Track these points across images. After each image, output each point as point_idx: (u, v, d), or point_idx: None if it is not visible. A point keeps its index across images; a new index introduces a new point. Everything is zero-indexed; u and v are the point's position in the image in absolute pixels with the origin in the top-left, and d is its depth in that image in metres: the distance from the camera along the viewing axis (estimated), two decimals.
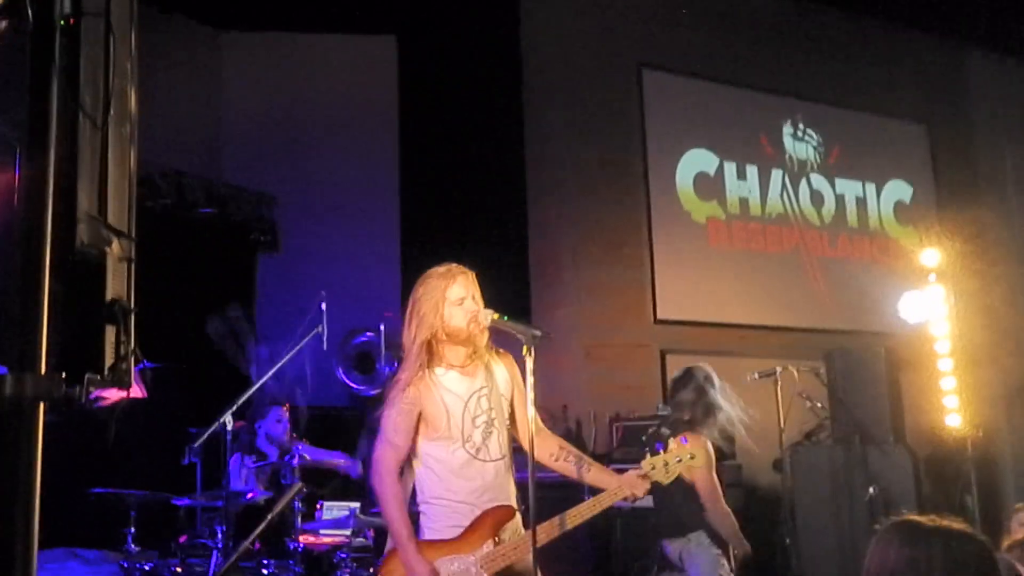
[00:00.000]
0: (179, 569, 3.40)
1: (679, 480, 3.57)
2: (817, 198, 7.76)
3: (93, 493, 3.43)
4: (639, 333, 6.67)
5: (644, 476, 2.62)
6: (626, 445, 5.34)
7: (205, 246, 4.92)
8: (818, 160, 7.82)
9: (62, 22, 1.85)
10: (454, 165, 5.91)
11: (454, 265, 2.65)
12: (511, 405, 2.65)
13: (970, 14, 7.64)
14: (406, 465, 2.60)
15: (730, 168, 7.39)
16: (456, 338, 2.56)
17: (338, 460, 3.86)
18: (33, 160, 1.86)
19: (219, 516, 3.37)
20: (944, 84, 8.36)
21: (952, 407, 5.40)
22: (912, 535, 1.53)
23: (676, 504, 3.64)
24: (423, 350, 2.55)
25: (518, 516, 2.59)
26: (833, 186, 7.88)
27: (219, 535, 3.34)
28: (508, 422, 2.64)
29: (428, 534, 2.53)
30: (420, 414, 2.54)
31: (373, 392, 4.68)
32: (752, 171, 7.51)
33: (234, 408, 3.46)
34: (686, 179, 7.16)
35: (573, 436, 5.55)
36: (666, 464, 2.62)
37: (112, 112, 1.98)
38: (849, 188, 7.94)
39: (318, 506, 3.79)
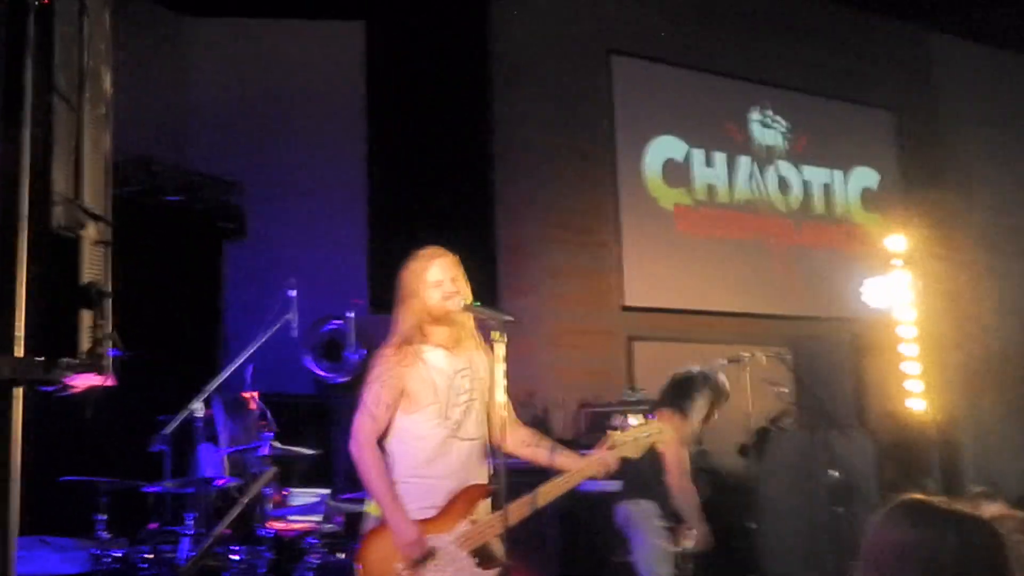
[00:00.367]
0: (149, 556, 3.43)
1: (649, 451, 3.73)
2: (784, 185, 7.86)
3: (63, 480, 3.46)
4: (606, 319, 6.74)
5: (612, 448, 2.70)
6: (594, 431, 5.41)
7: (171, 233, 4.93)
8: (785, 147, 7.91)
9: (35, 2, 1.89)
10: (422, 151, 5.95)
11: (436, 248, 2.77)
12: (488, 392, 2.74)
13: (937, 1, 7.81)
14: (381, 442, 2.66)
15: (698, 155, 7.46)
16: (438, 319, 2.66)
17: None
18: (7, 141, 1.89)
19: (189, 503, 3.42)
20: (911, 71, 8.49)
21: (916, 392, 5.60)
22: (923, 516, 1.49)
23: (639, 470, 3.77)
24: (412, 329, 2.66)
25: (490, 495, 2.68)
26: (800, 173, 7.99)
27: (189, 522, 3.38)
28: (486, 405, 2.72)
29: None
30: (403, 390, 2.62)
31: (341, 380, 4.73)
32: (720, 158, 7.59)
33: (204, 396, 3.50)
34: (654, 165, 7.22)
35: (541, 422, 5.63)
36: (635, 439, 2.72)
37: (87, 93, 2.02)
38: (816, 175, 8.05)
39: (285, 492, 3.84)
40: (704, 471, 4.87)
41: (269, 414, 4.01)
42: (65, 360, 1.91)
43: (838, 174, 8.20)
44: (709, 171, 7.53)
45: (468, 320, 2.72)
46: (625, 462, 2.78)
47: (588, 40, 7.02)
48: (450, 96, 6.08)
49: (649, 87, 7.28)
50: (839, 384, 5.24)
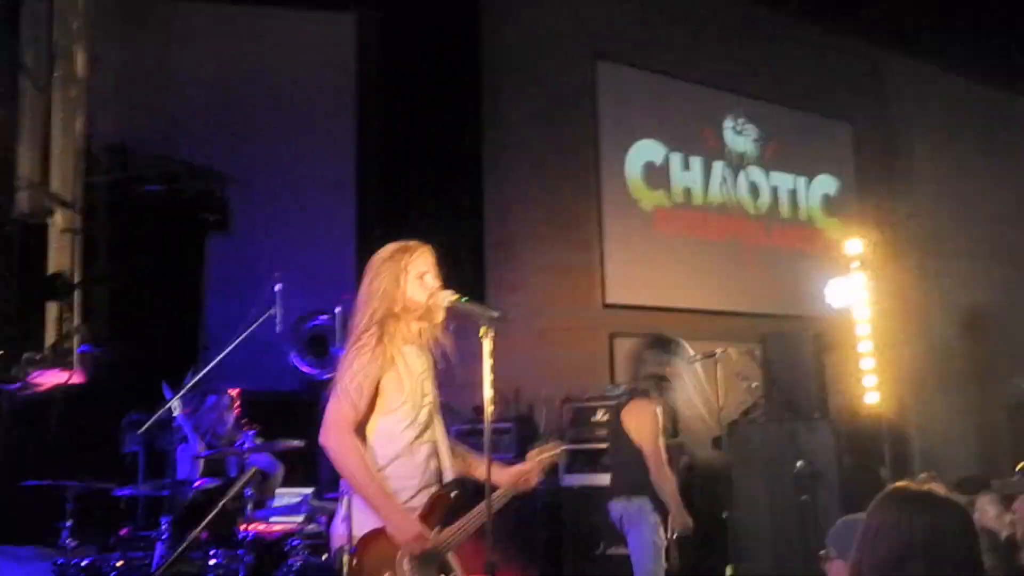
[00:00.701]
0: (119, 563, 3.07)
1: (630, 445, 3.61)
2: (753, 190, 7.89)
3: (25, 485, 3.05)
4: (588, 316, 6.66)
5: (532, 463, 2.57)
6: (577, 425, 5.30)
7: (152, 224, 4.59)
8: (756, 153, 7.94)
9: None
10: (411, 147, 5.73)
11: (414, 241, 2.52)
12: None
13: (893, 22, 7.91)
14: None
15: (676, 159, 7.43)
16: (414, 313, 2.42)
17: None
18: None
19: (163, 507, 3.09)
20: (867, 86, 8.62)
21: (870, 385, 5.58)
22: (897, 501, 1.57)
23: (627, 466, 3.67)
24: (388, 321, 2.38)
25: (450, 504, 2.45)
26: (769, 178, 8.02)
27: (163, 527, 3.05)
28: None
29: (372, 516, 2.31)
30: (379, 388, 2.36)
31: (326, 376, 4.46)
32: (696, 162, 7.57)
33: (181, 394, 3.20)
34: (635, 168, 7.17)
35: (525, 417, 5.47)
36: (541, 457, 2.59)
37: (57, 73, 1.77)
38: (782, 181, 8.10)
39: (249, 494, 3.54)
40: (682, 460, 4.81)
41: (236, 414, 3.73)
42: (28, 355, 1.67)
43: (802, 180, 8.27)
44: (686, 174, 7.51)
45: (441, 316, 2.47)
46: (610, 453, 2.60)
47: (575, 45, 6.94)
48: (440, 93, 5.87)
49: (632, 92, 7.23)
50: (804, 378, 5.21)
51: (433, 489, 2.37)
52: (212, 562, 3.07)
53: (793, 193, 8.18)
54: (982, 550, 1.52)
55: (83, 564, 3.06)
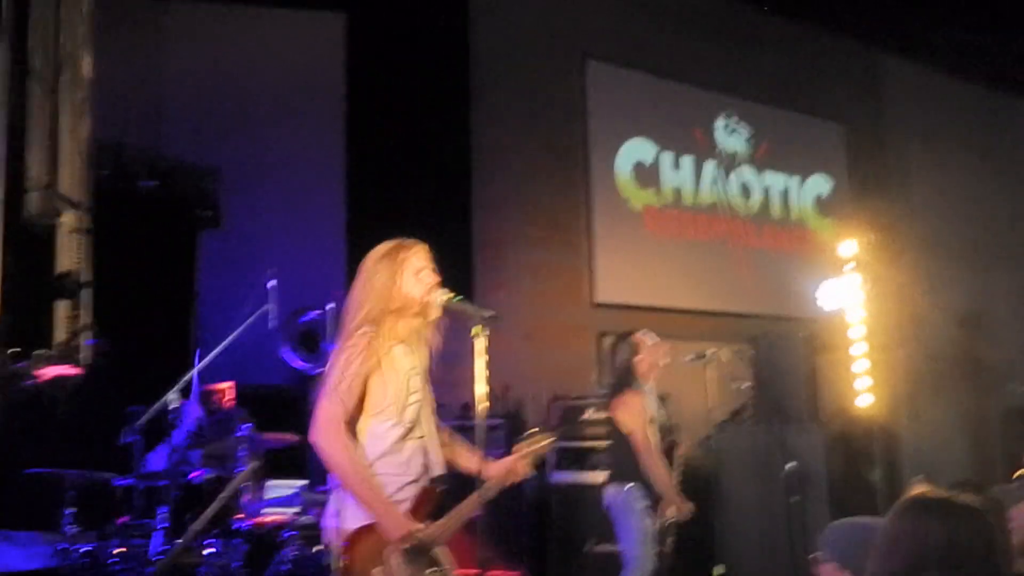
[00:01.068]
0: (120, 550, 3.21)
1: (621, 434, 3.73)
2: (745, 190, 7.97)
3: (27, 473, 3.19)
4: (578, 315, 6.74)
5: (520, 457, 2.60)
6: (566, 423, 5.38)
7: (145, 220, 4.68)
8: (748, 153, 8.01)
9: None
10: (400, 145, 5.82)
11: (409, 239, 2.54)
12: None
13: (886, 24, 7.99)
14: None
15: (666, 158, 7.51)
16: (408, 310, 2.46)
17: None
18: None
19: (160, 496, 3.21)
20: (861, 87, 8.69)
21: (864, 388, 5.66)
22: (913, 509, 1.53)
23: (617, 455, 3.81)
24: (383, 317, 2.42)
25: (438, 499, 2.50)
26: (761, 178, 8.10)
27: (161, 516, 3.18)
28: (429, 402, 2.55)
29: (362, 512, 2.36)
30: (366, 382, 2.40)
31: (317, 371, 4.56)
32: (687, 162, 7.64)
33: (179, 387, 3.31)
34: (625, 167, 7.24)
35: (514, 415, 5.57)
36: (532, 449, 2.64)
37: (65, 76, 1.86)
38: (775, 181, 8.18)
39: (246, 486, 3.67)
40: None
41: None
42: (40, 352, 1.77)
43: (795, 180, 8.35)
44: (677, 174, 7.59)
45: (436, 313, 2.52)
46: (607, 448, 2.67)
47: (564, 44, 7.01)
48: (429, 92, 5.97)
49: (622, 91, 7.29)
50: (794, 380, 5.28)
51: (421, 483, 2.43)
52: (209, 551, 3.19)
53: (785, 193, 8.26)
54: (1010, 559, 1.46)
55: (83, 550, 3.20)
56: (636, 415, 3.76)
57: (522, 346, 6.10)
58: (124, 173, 4.53)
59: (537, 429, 2.72)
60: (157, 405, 3.29)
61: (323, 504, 3.38)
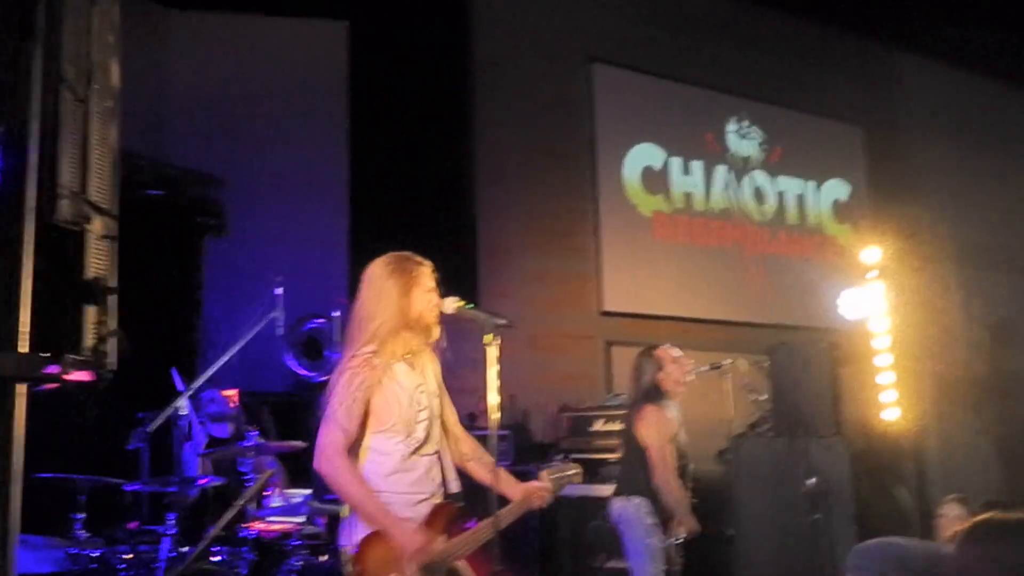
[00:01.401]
0: (128, 556, 3.35)
1: (637, 448, 3.83)
2: (759, 195, 8.03)
3: (37, 477, 3.34)
4: (585, 324, 6.83)
5: (544, 483, 2.73)
6: (574, 435, 5.46)
7: (150, 228, 4.84)
8: (761, 157, 8.09)
9: None
10: (403, 152, 5.98)
11: (412, 254, 2.65)
12: (439, 401, 2.68)
13: (903, 22, 8.03)
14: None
15: (676, 163, 7.58)
16: (416, 326, 2.57)
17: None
18: (13, 133, 1.87)
19: (170, 502, 3.35)
20: (879, 87, 8.73)
21: (890, 401, 5.74)
22: (982, 533, 1.53)
23: (629, 467, 3.89)
24: (390, 335, 2.53)
25: (455, 515, 2.61)
26: (775, 183, 8.17)
27: (170, 522, 3.32)
28: (439, 416, 2.66)
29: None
30: (369, 407, 2.51)
31: (320, 378, 4.70)
32: (697, 166, 7.72)
33: (189, 393, 3.46)
34: (633, 173, 7.32)
35: (521, 425, 5.67)
36: (560, 478, 2.76)
37: (95, 85, 2.00)
38: (790, 186, 8.24)
39: (267, 492, 3.81)
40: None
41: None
42: (70, 357, 1.88)
43: (811, 185, 8.41)
44: (687, 179, 7.66)
45: (438, 333, 2.64)
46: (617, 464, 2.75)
47: (569, 47, 7.11)
48: (432, 99, 6.13)
49: (629, 95, 7.38)
50: (815, 392, 5.31)
51: (435, 500, 2.55)
52: (216, 559, 3.33)
53: (801, 198, 8.32)
54: None
55: (94, 555, 3.35)
56: (657, 430, 3.83)
57: (527, 355, 6.18)
58: (129, 181, 4.65)
59: (562, 456, 2.80)
60: (167, 411, 3.43)
61: (329, 514, 3.52)
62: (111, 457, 3.59)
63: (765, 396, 5.36)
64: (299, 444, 3.58)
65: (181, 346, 4.91)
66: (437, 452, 2.61)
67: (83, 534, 3.42)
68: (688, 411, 4.13)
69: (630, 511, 3.83)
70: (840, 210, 8.53)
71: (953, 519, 3.63)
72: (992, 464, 7.83)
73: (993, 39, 8.17)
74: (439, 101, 6.20)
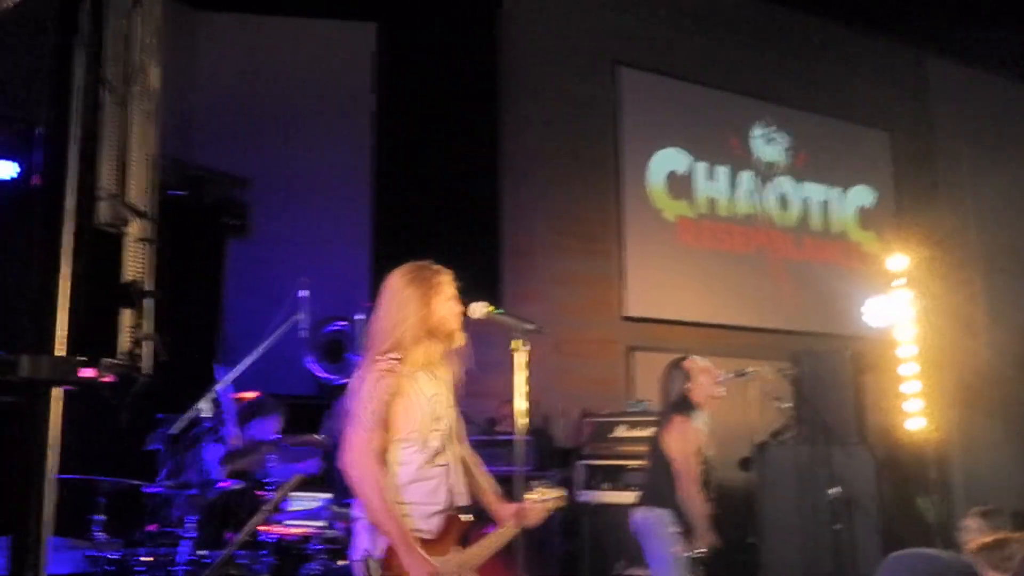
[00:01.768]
0: (147, 559, 3.35)
1: (663, 459, 3.83)
2: (783, 200, 8.02)
3: (57, 478, 3.36)
4: (607, 328, 6.83)
5: (531, 506, 2.70)
6: (596, 440, 5.46)
7: (174, 228, 4.86)
8: (786, 163, 8.07)
9: None
10: (428, 154, 6.01)
11: (432, 262, 2.63)
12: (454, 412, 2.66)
13: (932, 23, 7.99)
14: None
15: (701, 168, 7.59)
16: (438, 334, 2.57)
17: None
18: (54, 135, 1.88)
19: (189, 505, 3.36)
20: (906, 91, 8.71)
21: (915, 410, 5.70)
22: None
23: (654, 477, 3.89)
24: (412, 342, 2.52)
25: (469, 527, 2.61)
26: (800, 189, 8.14)
27: (189, 524, 3.33)
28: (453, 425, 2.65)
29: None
30: (389, 415, 2.50)
31: (342, 381, 4.70)
32: (722, 172, 7.72)
33: (211, 395, 3.48)
34: (658, 177, 7.33)
35: (542, 430, 5.66)
36: (544, 502, 2.73)
37: (135, 88, 2.01)
38: (815, 191, 8.22)
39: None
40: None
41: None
42: (106, 360, 1.89)
43: (836, 191, 8.38)
44: (712, 184, 7.66)
45: (461, 341, 2.62)
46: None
47: (595, 51, 7.13)
48: (458, 101, 6.16)
49: (655, 99, 7.40)
50: (840, 400, 5.31)
51: (447, 512, 2.54)
52: (237, 562, 3.34)
53: (825, 205, 8.30)
54: None
55: (112, 557, 3.36)
56: (685, 442, 3.83)
57: (549, 359, 6.19)
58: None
59: (546, 480, 2.80)
60: (189, 413, 3.45)
61: (348, 518, 3.51)
62: (131, 458, 3.60)
63: (789, 404, 5.36)
64: (319, 446, 3.59)
65: (203, 347, 4.94)
66: (448, 464, 2.61)
67: (102, 536, 3.43)
68: (712, 418, 4.11)
69: (652, 521, 3.84)
70: (865, 216, 8.50)
71: (975, 532, 3.61)
72: (1017, 474, 7.77)
73: (1022, 42, 8.11)
74: (465, 103, 6.23)
